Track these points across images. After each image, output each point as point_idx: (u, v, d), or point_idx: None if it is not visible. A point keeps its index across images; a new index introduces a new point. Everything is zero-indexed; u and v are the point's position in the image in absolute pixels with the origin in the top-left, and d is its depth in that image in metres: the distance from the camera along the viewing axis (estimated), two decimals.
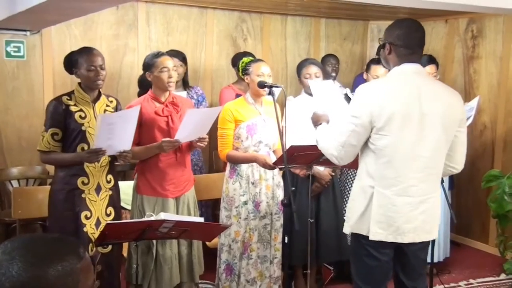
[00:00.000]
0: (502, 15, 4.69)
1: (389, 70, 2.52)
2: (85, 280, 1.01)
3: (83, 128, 2.94)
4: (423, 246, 2.55)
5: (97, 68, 2.94)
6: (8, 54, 4.28)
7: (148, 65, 3.13)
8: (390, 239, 2.41)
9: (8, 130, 4.37)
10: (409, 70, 2.41)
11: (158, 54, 3.15)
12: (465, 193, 5.02)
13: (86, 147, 2.94)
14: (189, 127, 2.97)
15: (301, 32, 5.56)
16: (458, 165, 2.57)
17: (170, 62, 3.13)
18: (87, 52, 2.97)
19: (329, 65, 5.02)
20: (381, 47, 2.50)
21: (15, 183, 4.32)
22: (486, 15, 4.85)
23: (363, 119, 2.35)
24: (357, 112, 2.37)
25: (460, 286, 4.14)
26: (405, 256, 2.52)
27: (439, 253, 4.22)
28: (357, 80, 4.61)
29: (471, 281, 4.23)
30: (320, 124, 2.71)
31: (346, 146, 2.41)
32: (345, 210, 3.76)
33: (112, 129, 2.78)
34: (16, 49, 4.29)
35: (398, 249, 2.50)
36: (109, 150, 2.87)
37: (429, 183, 2.43)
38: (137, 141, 3.09)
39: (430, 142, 2.36)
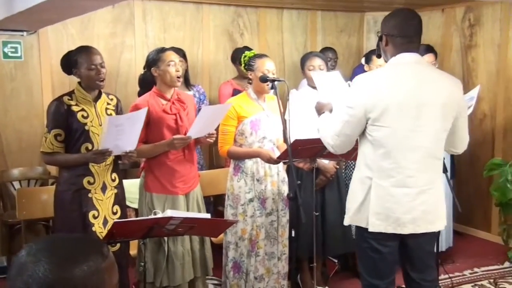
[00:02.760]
0: (499, 2, 4.69)
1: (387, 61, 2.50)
2: (109, 279, 1.01)
3: (86, 127, 2.93)
4: (429, 238, 2.52)
5: (98, 67, 2.92)
6: (5, 55, 4.25)
7: (154, 60, 3.10)
8: (389, 230, 2.40)
9: (8, 132, 4.35)
10: (407, 60, 2.38)
11: (163, 49, 3.14)
12: (466, 182, 5.04)
13: (90, 147, 2.93)
14: (202, 123, 2.97)
15: (297, 25, 5.55)
16: (460, 149, 2.57)
17: (176, 57, 3.12)
18: (86, 51, 2.95)
19: (327, 58, 5.01)
20: (379, 39, 2.48)
21: (16, 184, 4.30)
22: (483, 3, 4.85)
23: (357, 110, 2.34)
24: (351, 103, 2.37)
25: (465, 275, 4.17)
26: (409, 248, 2.51)
27: (442, 243, 4.23)
28: (356, 72, 4.60)
29: (476, 270, 4.25)
30: (323, 113, 2.72)
31: (341, 136, 2.42)
32: None
33: (120, 130, 2.76)
34: (13, 50, 4.27)
35: (402, 241, 2.49)
36: (115, 150, 2.86)
37: (429, 173, 2.41)
38: (144, 139, 3.08)
39: (430, 132, 2.35)
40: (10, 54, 4.27)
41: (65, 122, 2.90)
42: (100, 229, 2.98)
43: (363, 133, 2.42)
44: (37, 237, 4.32)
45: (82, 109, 2.95)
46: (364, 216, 2.43)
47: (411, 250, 2.51)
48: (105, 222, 3.01)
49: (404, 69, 2.38)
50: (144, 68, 3.28)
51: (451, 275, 3.96)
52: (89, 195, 2.96)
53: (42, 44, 4.39)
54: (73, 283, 0.95)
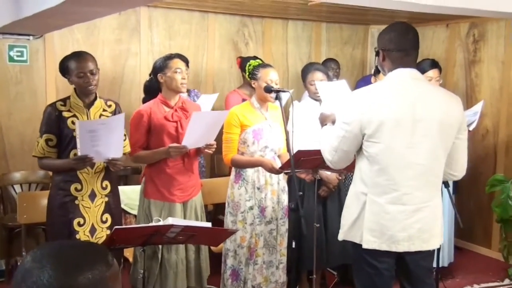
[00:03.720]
0: (504, 19, 4.71)
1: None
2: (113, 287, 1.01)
3: (74, 134, 2.89)
4: (425, 255, 2.47)
5: (87, 74, 2.91)
6: (11, 59, 4.27)
7: (161, 67, 3.12)
8: (384, 247, 2.36)
9: (11, 135, 4.35)
10: (404, 75, 2.35)
11: (171, 56, 3.16)
12: (467, 197, 5.03)
13: (78, 153, 2.91)
14: (196, 132, 2.95)
15: (302, 36, 5.57)
16: (458, 172, 2.50)
17: (182, 64, 3.15)
18: (76, 58, 2.94)
19: (330, 70, 5.01)
20: (376, 55, 2.46)
21: (17, 188, 4.30)
22: (487, 19, 4.87)
23: (352, 126, 2.32)
24: (347, 119, 2.35)
25: None
26: (406, 265, 2.46)
27: (444, 258, 4.22)
28: (359, 85, 4.61)
29: (475, 286, 4.23)
30: (326, 124, 2.71)
31: (339, 151, 2.40)
32: None
33: (95, 136, 2.74)
34: (19, 54, 4.28)
35: (399, 257, 2.44)
36: (97, 157, 2.83)
37: (425, 191, 2.36)
38: (145, 145, 3.09)
39: (425, 149, 2.31)
40: (16, 58, 4.28)
41: (56, 127, 2.91)
42: (85, 237, 2.95)
43: (360, 149, 2.39)
44: (37, 241, 4.31)
45: (74, 115, 2.95)
46: (359, 232, 2.40)
47: (407, 266, 2.47)
48: (92, 230, 2.99)
49: (400, 85, 2.35)
50: (150, 75, 3.29)
51: None
52: (76, 202, 2.94)
53: (47, 48, 4.40)
54: None
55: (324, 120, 2.74)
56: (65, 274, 0.94)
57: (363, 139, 2.34)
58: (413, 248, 2.37)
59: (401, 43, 2.35)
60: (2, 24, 3.34)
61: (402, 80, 2.35)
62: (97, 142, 2.76)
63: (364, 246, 2.37)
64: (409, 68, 2.36)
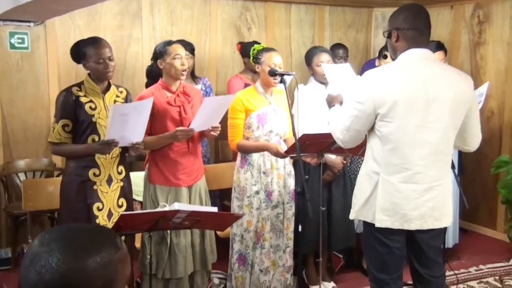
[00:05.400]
0: (509, 0, 4.65)
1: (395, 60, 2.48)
2: (122, 270, 1.00)
3: (93, 119, 2.92)
4: (436, 234, 2.52)
5: (106, 61, 2.90)
6: (12, 46, 4.23)
7: (160, 53, 3.09)
8: (396, 226, 2.40)
9: (14, 123, 4.33)
10: (417, 55, 2.38)
11: (170, 42, 3.13)
12: (473, 179, 5.01)
13: (96, 138, 2.92)
14: (205, 115, 2.95)
15: (305, 20, 5.52)
16: (472, 146, 2.56)
17: (182, 50, 3.12)
18: (94, 44, 2.92)
19: (338, 56, 4.93)
20: (388, 37, 2.46)
21: (21, 176, 4.30)
22: (492, 0, 4.81)
23: (366, 106, 2.34)
24: (361, 98, 2.36)
25: (470, 272, 4.15)
26: (417, 244, 2.50)
27: (449, 240, 4.22)
28: (365, 68, 4.57)
29: (481, 267, 4.24)
30: (334, 105, 2.73)
31: (351, 131, 2.42)
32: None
33: (125, 120, 2.74)
34: (20, 41, 4.25)
35: (410, 236, 2.48)
36: (122, 142, 2.84)
37: (437, 170, 2.40)
38: (149, 131, 3.07)
39: (438, 128, 2.34)
40: (17, 45, 4.25)
41: (73, 112, 2.89)
42: (104, 222, 2.97)
43: (372, 128, 2.41)
44: (42, 228, 4.32)
45: (91, 101, 2.94)
46: (371, 211, 2.43)
47: (418, 245, 2.51)
48: (109, 214, 3.00)
49: (413, 65, 2.37)
50: (151, 60, 3.27)
51: (456, 271, 3.95)
52: (94, 187, 2.95)
53: (49, 35, 4.37)
54: (86, 273, 0.94)
55: (331, 101, 2.77)
56: (74, 257, 0.94)
57: (375, 118, 2.36)
58: (425, 226, 2.41)
59: (416, 22, 2.39)
60: (3, 10, 3.31)
61: (415, 60, 2.38)
62: (125, 126, 2.76)
63: (377, 224, 2.41)
64: (422, 48, 2.39)
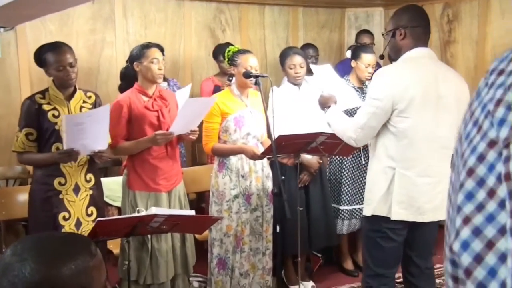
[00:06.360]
0: None
1: (395, 60, 2.57)
2: (98, 277, 1.00)
3: (56, 127, 2.85)
4: (434, 226, 2.62)
5: (67, 67, 2.84)
6: None
7: (137, 55, 3.06)
8: (411, 218, 2.48)
9: None
10: (423, 54, 2.49)
11: (148, 45, 3.09)
12: None
13: (60, 147, 2.84)
14: (185, 118, 2.93)
15: (279, 21, 5.55)
16: None
17: (160, 54, 3.08)
18: (54, 50, 2.85)
19: (308, 56, 4.98)
20: (392, 36, 2.53)
21: None
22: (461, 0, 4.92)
23: (384, 102, 2.42)
24: (379, 95, 2.43)
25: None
26: (418, 236, 2.59)
27: None
28: (339, 68, 4.61)
29: None
30: (329, 106, 2.77)
31: (366, 128, 2.49)
32: (332, 198, 3.81)
33: (82, 129, 2.69)
34: None
35: (412, 230, 2.57)
36: (83, 150, 2.79)
37: (445, 163, 2.44)
38: (126, 137, 3.04)
39: (446, 123, 2.44)
40: None
41: (36, 121, 2.84)
42: (71, 231, 2.90)
43: (384, 125, 2.49)
44: (17, 237, 4.24)
45: (54, 108, 2.88)
46: (387, 205, 2.50)
47: (420, 237, 2.60)
48: (78, 223, 2.95)
49: (422, 63, 2.48)
50: (126, 62, 3.24)
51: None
52: (60, 196, 2.89)
53: (20, 41, 4.30)
54: (61, 282, 0.93)
55: (326, 102, 2.82)
56: (47, 266, 0.93)
57: (391, 114, 2.43)
58: (437, 218, 2.50)
59: (422, 20, 2.51)
60: None
61: (422, 58, 2.49)
62: (83, 135, 2.71)
63: (393, 217, 2.48)
64: (427, 48, 2.52)
